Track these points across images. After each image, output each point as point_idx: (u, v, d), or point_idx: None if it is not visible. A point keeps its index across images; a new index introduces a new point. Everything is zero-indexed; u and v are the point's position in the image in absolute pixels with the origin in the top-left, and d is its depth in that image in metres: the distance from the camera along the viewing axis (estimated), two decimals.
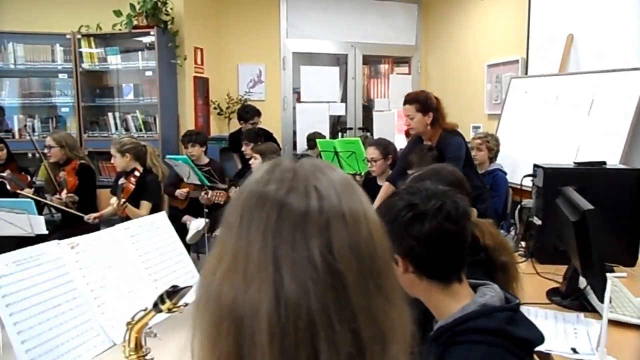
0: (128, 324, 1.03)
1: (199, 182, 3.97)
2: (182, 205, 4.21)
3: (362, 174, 4.02)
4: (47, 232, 3.07)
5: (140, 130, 4.93)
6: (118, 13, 4.72)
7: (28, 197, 3.35)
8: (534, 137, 3.97)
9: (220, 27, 5.78)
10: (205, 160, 4.32)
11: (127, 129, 4.95)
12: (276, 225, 0.51)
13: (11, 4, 5.02)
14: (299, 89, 6.19)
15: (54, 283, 1.29)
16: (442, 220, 1.04)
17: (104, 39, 4.96)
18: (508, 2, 4.81)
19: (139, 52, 4.88)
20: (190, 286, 0.97)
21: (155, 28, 4.70)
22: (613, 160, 3.05)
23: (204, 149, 4.31)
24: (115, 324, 1.35)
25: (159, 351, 1.13)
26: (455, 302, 1.07)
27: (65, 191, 3.66)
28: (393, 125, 6.62)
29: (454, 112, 3.70)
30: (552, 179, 2.26)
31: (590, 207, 1.60)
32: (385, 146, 3.47)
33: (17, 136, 4.85)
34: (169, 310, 0.93)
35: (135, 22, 4.75)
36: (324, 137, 5.05)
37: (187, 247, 3.62)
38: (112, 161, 3.62)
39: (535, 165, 2.41)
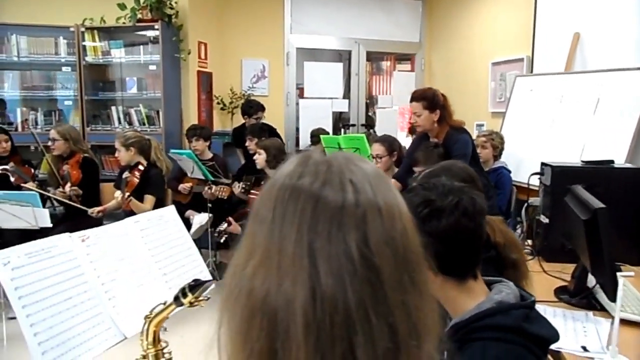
0: (146, 317, 1.02)
1: (202, 177, 3.97)
2: (185, 200, 4.21)
3: None
4: (51, 225, 3.07)
5: (144, 124, 4.92)
6: (122, 6, 4.70)
7: (32, 190, 3.34)
8: (539, 135, 3.96)
9: (225, 22, 5.76)
10: (209, 155, 4.32)
11: (130, 123, 4.93)
12: (312, 219, 0.50)
13: None
14: (301, 84, 6.18)
15: (65, 276, 1.28)
16: (459, 217, 1.03)
17: (107, 32, 4.94)
18: (513, 0, 4.79)
19: (143, 46, 4.86)
20: (213, 280, 0.96)
21: (159, 22, 4.68)
22: (618, 160, 3.05)
23: (207, 143, 4.30)
24: (125, 317, 1.34)
25: (175, 345, 1.12)
26: (470, 299, 1.06)
27: (69, 184, 3.66)
28: (396, 122, 6.62)
29: (458, 109, 3.68)
30: (560, 177, 2.26)
31: (602, 205, 1.60)
32: (390, 143, 3.46)
33: (19, 129, 4.84)
34: (191, 304, 0.92)
35: (139, 16, 4.72)
36: (327, 133, 5.04)
37: None
38: (116, 155, 3.62)
39: (543, 164, 2.40)
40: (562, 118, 3.79)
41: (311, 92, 6.04)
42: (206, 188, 3.91)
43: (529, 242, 2.49)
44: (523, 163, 3.98)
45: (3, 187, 3.31)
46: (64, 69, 4.89)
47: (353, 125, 6.26)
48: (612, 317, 1.51)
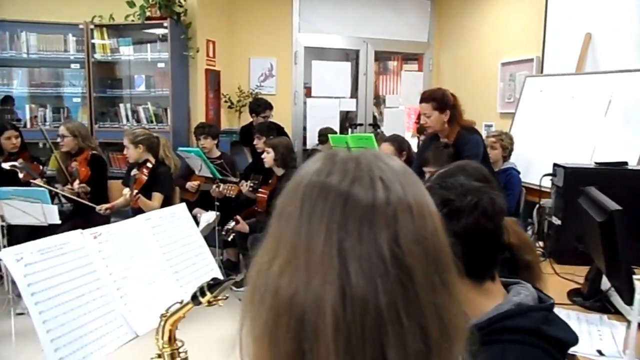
0: (162, 316, 1.01)
1: (210, 175, 3.96)
2: (193, 198, 4.21)
3: None
4: (59, 222, 3.08)
5: (151, 122, 4.92)
6: (131, 4, 4.71)
7: (40, 186, 3.35)
8: (549, 136, 3.93)
9: (233, 20, 5.75)
10: (217, 153, 4.31)
11: (138, 121, 4.94)
12: (341, 217, 0.49)
13: None
14: (308, 84, 6.17)
15: (77, 273, 1.27)
16: (478, 217, 1.01)
17: (116, 30, 4.95)
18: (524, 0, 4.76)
19: (152, 44, 4.86)
20: (233, 279, 0.95)
21: (168, 19, 4.68)
22: (630, 162, 3.02)
23: (215, 141, 4.30)
24: (137, 315, 1.34)
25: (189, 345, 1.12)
26: (488, 300, 1.05)
27: (77, 181, 3.66)
28: (403, 122, 6.59)
29: (466, 110, 3.64)
30: (572, 179, 2.24)
31: (618, 207, 1.58)
32: (399, 142, 3.45)
33: (28, 125, 4.85)
34: (209, 303, 0.91)
35: (148, 14, 4.73)
36: (335, 132, 5.03)
37: None
38: (124, 152, 3.62)
39: (556, 165, 2.38)
40: (573, 119, 3.76)
41: (319, 91, 6.03)
42: (214, 186, 3.91)
43: (540, 243, 2.46)
44: (532, 164, 3.95)
45: (11, 184, 3.31)
46: (72, 66, 4.90)
47: (360, 124, 6.24)
48: (628, 321, 1.48)
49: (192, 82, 5.13)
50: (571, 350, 1.45)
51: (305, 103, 6.10)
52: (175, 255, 1.56)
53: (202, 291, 0.92)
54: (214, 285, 0.91)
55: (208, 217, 3.96)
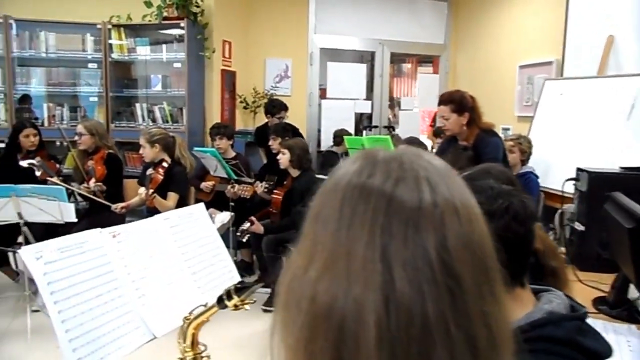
0: (185, 319, 0.99)
1: (225, 176, 3.95)
2: (207, 198, 4.20)
3: None
4: (76, 220, 3.09)
5: (167, 121, 4.93)
6: (149, 4, 4.72)
7: (57, 184, 3.36)
8: (569, 140, 3.86)
9: (249, 21, 5.75)
10: (232, 153, 4.31)
11: (153, 120, 4.95)
12: (385, 220, 0.46)
13: None
14: (323, 85, 6.15)
15: (96, 272, 1.26)
16: (509, 221, 0.98)
17: (133, 30, 4.97)
18: (543, 1, 4.69)
19: (168, 44, 4.88)
20: (261, 283, 0.93)
21: (185, 20, 4.69)
22: None
23: (231, 142, 4.29)
24: (155, 316, 1.32)
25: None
26: (518, 308, 1.01)
27: (93, 180, 3.67)
28: (418, 124, 6.55)
29: (483, 112, 3.61)
30: (597, 184, 2.18)
31: None
32: (417, 145, 3.40)
33: (46, 124, 4.88)
34: (235, 307, 0.89)
35: (165, 14, 4.75)
36: (350, 134, 5.00)
37: None
38: (140, 151, 3.62)
39: (579, 169, 2.32)
40: (594, 123, 3.69)
41: (334, 92, 6.01)
42: (229, 187, 3.90)
43: (562, 250, 2.41)
44: (551, 168, 3.88)
45: (29, 182, 3.32)
46: (90, 65, 4.93)
47: (375, 126, 6.20)
48: None
49: (208, 82, 5.14)
50: None
51: (320, 105, 6.08)
52: (193, 256, 1.54)
53: (228, 294, 0.90)
54: (241, 288, 0.88)
55: (223, 217, 3.95)
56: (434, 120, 6.71)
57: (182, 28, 4.71)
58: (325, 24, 6.02)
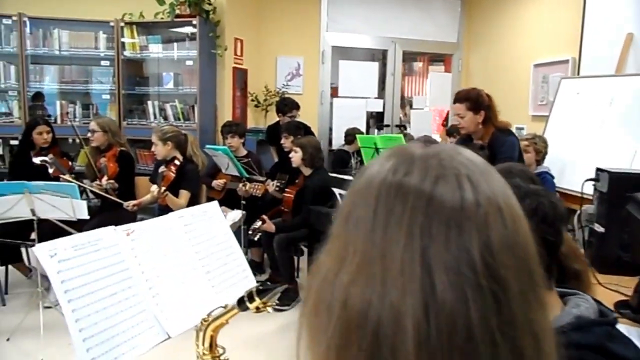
0: (204, 320, 0.97)
1: (236, 174, 3.94)
2: (219, 196, 4.19)
3: None
4: (88, 217, 3.08)
5: (179, 119, 4.93)
6: (161, 1, 4.73)
7: (70, 181, 3.36)
8: (585, 140, 3.80)
9: (261, 19, 5.74)
10: (244, 152, 4.29)
11: (165, 118, 4.96)
12: (424, 221, 0.43)
13: None
14: (334, 83, 6.12)
15: (110, 270, 1.24)
16: (538, 223, 0.94)
17: (146, 27, 4.97)
18: None
19: (180, 42, 4.88)
20: (286, 286, 0.90)
21: (197, 17, 4.68)
22: None
23: (242, 140, 4.28)
24: (169, 316, 1.30)
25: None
26: None
27: (105, 177, 3.67)
28: (430, 123, 6.49)
29: (499, 111, 3.56)
30: (618, 184, 2.13)
31: None
32: (431, 144, 3.35)
33: (58, 121, 4.90)
34: (257, 310, 0.86)
35: (177, 11, 4.74)
36: (362, 133, 4.96)
37: None
38: (152, 149, 3.61)
39: (599, 169, 2.27)
40: (612, 123, 3.62)
41: (345, 91, 5.97)
42: (240, 185, 3.88)
43: (582, 251, 2.36)
44: (567, 168, 3.82)
45: (41, 178, 3.33)
46: (102, 63, 4.94)
47: (387, 125, 6.16)
48: None
49: (220, 80, 5.13)
50: None
51: (331, 103, 6.05)
52: (207, 255, 1.52)
53: (250, 296, 0.87)
54: (264, 290, 0.85)
55: (234, 215, 3.94)
56: (446, 119, 6.66)
57: (194, 26, 4.70)
58: (337, 22, 5.98)
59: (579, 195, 2.44)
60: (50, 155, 3.74)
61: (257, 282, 1.33)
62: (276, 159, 4.95)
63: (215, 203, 1.69)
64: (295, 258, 3.96)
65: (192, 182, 3.62)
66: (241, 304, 0.89)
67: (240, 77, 5.42)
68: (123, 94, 4.93)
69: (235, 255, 1.63)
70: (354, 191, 0.50)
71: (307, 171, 3.79)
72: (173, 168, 3.52)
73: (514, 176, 1.41)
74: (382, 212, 0.45)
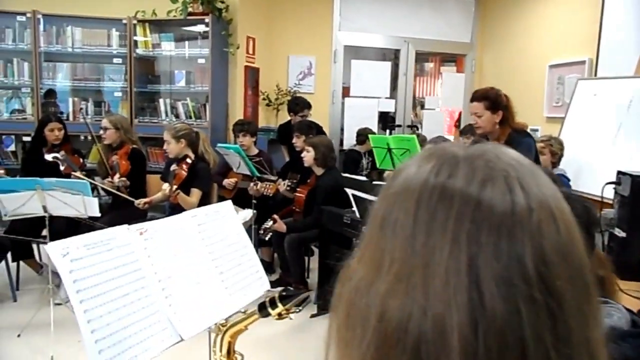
0: (222, 326, 0.94)
1: (248, 173, 3.91)
2: (230, 195, 4.17)
3: None
4: (99, 214, 3.08)
5: (190, 117, 4.92)
6: None
7: (81, 179, 3.36)
8: (603, 142, 3.73)
9: (273, 17, 5.71)
10: (255, 151, 4.27)
11: (177, 116, 4.95)
12: (472, 228, 0.39)
13: None
14: (346, 83, 6.08)
15: (123, 270, 1.21)
16: None
17: (158, 25, 4.97)
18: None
19: (193, 40, 4.86)
20: (310, 292, 0.87)
21: (209, 15, 4.67)
22: None
23: (254, 139, 4.25)
24: (182, 317, 1.27)
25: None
26: None
27: (117, 175, 3.66)
28: (442, 124, 6.44)
29: (516, 112, 3.51)
30: None
31: None
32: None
33: (71, 118, 4.91)
34: (279, 316, 0.83)
35: (190, 9, 4.73)
36: (374, 133, 4.92)
37: None
38: (164, 147, 3.59)
39: (620, 173, 2.21)
40: (631, 125, 3.55)
41: (357, 90, 5.93)
42: (252, 184, 3.86)
43: None
44: (584, 171, 3.75)
45: (53, 175, 3.33)
46: (115, 60, 4.94)
47: (399, 125, 6.10)
48: None
49: (232, 78, 5.12)
50: None
51: (343, 103, 6.01)
52: (221, 255, 1.49)
53: (272, 302, 0.84)
54: (287, 296, 0.82)
55: (244, 215, 3.91)
56: (458, 120, 6.59)
57: (207, 24, 4.69)
58: (349, 21, 5.94)
59: (598, 199, 2.38)
60: (62, 152, 3.74)
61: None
62: (287, 159, 4.92)
63: (229, 202, 1.66)
64: (306, 258, 3.93)
65: (204, 180, 3.60)
66: (262, 309, 0.86)
67: (252, 75, 5.40)
68: (135, 92, 4.93)
69: (249, 256, 1.60)
70: (389, 194, 0.46)
71: (319, 171, 3.76)
72: (185, 166, 3.50)
73: None
74: (423, 217, 0.41)
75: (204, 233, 1.50)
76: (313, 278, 3.86)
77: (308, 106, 4.88)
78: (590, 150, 3.81)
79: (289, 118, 5.02)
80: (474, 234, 0.39)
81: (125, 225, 1.30)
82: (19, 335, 3.04)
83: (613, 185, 2.27)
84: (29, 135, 4.49)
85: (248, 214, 3.87)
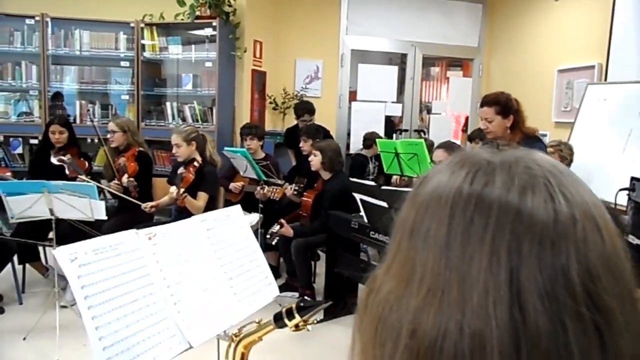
0: (235, 336, 0.91)
1: (255, 177, 3.90)
2: (236, 199, 4.15)
3: None
4: (106, 217, 3.06)
5: (197, 121, 4.91)
6: (181, 3, 4.72)
7: (87, 182, 3.34)
8: (613, 148, 3.69)
9: (281, 21, 5.70)
10: (262, 154, 4.25)
11: (183, 119, 4.94)
12: (512, 239, 0.37)
13: None
14: (352, 87, 6.06)
15: (131, 276, 1.20)
16: None
17: (166, 29, 4.97)
18: (587, 3, 4.51)
19: (200, 43, 4.86)
20: (329, 302, 0.84)
21: (217, 19, 4.67)
22: None
23: (261, 143, 4.24)
24: (191, 324, 1.25)
25: None
26: None
27: (126, 175, 3.64)
28: (450, 128, 6.40)
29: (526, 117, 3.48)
30: None
31: None
32: (455, 149, 3.28)
33: (77, 121, 4.91)
34: (296, 327, 0.80)
35: (197, 13, 4.73)
36: (381, 137, 4.89)
37: None
38: (174, 150, 3.56)
39: (635, 179, 2.18)
40: None
41: (364, 95, 5.91)
42: (258, 188, 3.84)
43: None
44: (594, 177, 3.71)
45: (60, 178, 3.32)
46: (122, 63, 4.94)
47: (406, 130, 6.07)
48: None
49: (238, 82, 5.11)
50: None
51: (349, 107, 5.99)
52: (230, 261, 1.47)
53: (289, 312, 0.81)
54: (304, 307, 0.79)
55: (251, 219, 3.89)
56: (465, 124, 6.56)
57: (214, 27, 4.69)
58: (357, 25, 5.92)
59: (612, 205, 2.35)
60: (68, 156, 3.72)
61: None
62: (294, 162, 4.90)
63: (238, 207, 1.64)
64: (313, 263, 3.90)
65: (211, 184, 3.58)
66: (278, 320, 0.83)
67: (259, 79, 5.39)
68: (142, 95, 4.93)
69: (258, 261, 1.58)
70: (418, 202, 0.43)
71: (326, 175, 3.73)
72: (192, 170, 3.48)
73: None
74: (458, 228, 0.39)
75: (213, 238, 1.48)
76: (320, 283, 3.83)
77: (309, 112, 4.82)
78: (600, 156, 3.77)
79: (295, 122, 5.00)
80: (515, 246, 0.37)
81: (134, 230, 1.29)
82: (24, 339, 3.03)
83: (626, 192, 2.24)
84: (36, 138, 4.49)
85: (255, 218, 3.84)
